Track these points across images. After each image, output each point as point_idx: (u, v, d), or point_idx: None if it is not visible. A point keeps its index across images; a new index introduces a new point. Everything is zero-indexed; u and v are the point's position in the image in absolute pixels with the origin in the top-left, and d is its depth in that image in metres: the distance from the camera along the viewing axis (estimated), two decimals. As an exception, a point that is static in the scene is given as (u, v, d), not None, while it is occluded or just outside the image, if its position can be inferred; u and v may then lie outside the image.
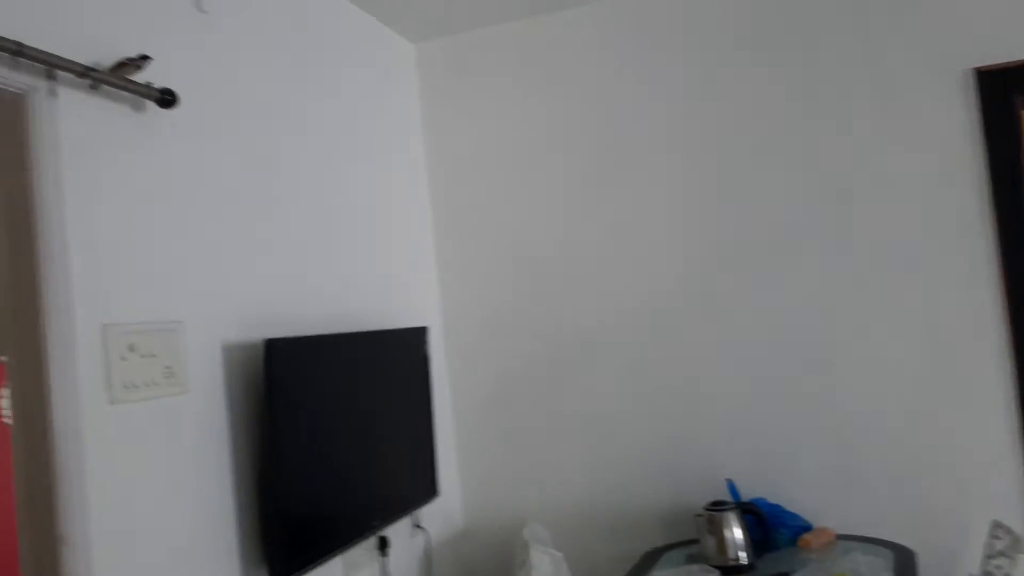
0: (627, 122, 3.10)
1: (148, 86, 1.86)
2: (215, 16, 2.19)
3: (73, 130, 1.70)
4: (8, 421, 2.82)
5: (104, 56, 1.80)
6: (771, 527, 2.65)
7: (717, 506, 2.62)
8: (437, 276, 3.35)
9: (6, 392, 2.89)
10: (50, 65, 1.62)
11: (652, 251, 3.05)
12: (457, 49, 3.35)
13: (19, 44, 1.54)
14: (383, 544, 2.65)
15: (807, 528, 2.70)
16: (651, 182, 3.06)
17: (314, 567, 2.13)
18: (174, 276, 1.94)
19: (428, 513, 2.97)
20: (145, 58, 1.83)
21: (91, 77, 1.70)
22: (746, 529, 2.58)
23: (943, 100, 2.73)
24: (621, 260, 3.09)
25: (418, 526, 2.92)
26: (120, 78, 1.78)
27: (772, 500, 2.80)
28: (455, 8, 3.07)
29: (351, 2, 2.92)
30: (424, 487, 2.82)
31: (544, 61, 3.21)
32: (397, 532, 2.77)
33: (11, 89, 1.59)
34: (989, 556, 2.38)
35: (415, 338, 2.83)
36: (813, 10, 2.88)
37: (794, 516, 2.73)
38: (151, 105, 1.91)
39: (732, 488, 2.77)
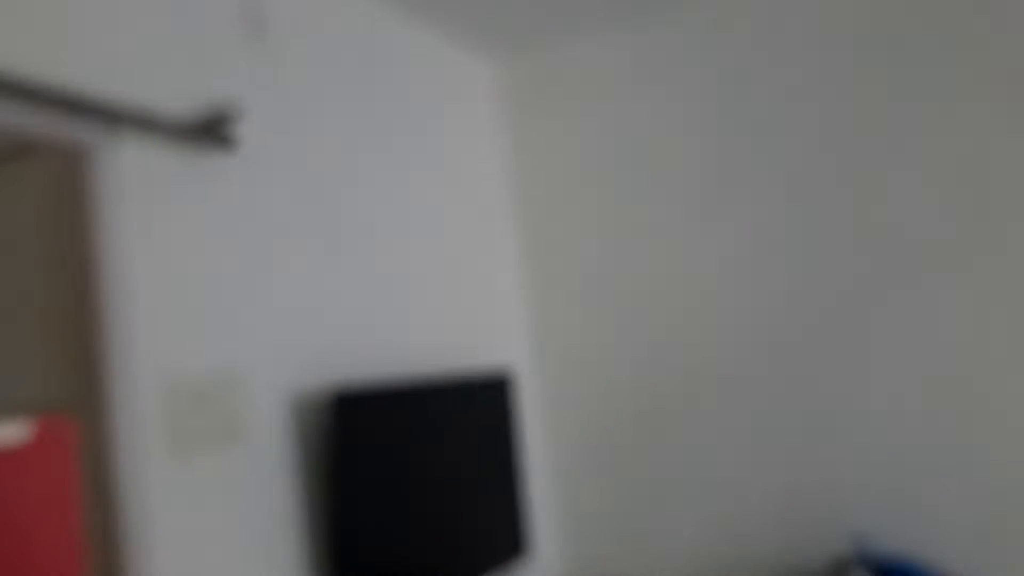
0: (740, 141, 2.89)
1: (207, 130, 1.84)
2: (275, 53, 2.16)
3: (134, 178, 1.69)
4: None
5: (166, 99, 1.80)
6: (907, 589, 2.35)
7: (841, 564, 2.35)
8: (525, 315, 3.22)
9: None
10: (110, 115, 1.62)
11: (770, 282, 2.82)
12: (539, 69, 3.23)
13: (79, 95, 1.54)
14: (475, 605, 2.51)
15: (953, 590, 2.38)
16: (768, 206, 2.84)
17: (394, 631, 2.01)
18: (239, 324, 1.89)
19: (526, 571, 2.82)
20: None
21: (151, 125, 1.69)
22: (877, 591, 2.30)
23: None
24: (736, 292, 2.87)
25: (514, 585, 2.76)
26: (178, 124, 1.77)
27: (912, 556, 2.52)
28: (534, 27, 2.97)
29: (420, 22, 2.79)
30: (513, 544, 2.66)
31: (642, 77, 3.05)
32: (491, 592, 2.61)
33: (73, 140, 1.60)
34: None
35: (498, 386, 2.68)
36: (941, 17, 2.64)
37: (937, 576, 2.42)
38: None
39: (861, 543, 2.52)
